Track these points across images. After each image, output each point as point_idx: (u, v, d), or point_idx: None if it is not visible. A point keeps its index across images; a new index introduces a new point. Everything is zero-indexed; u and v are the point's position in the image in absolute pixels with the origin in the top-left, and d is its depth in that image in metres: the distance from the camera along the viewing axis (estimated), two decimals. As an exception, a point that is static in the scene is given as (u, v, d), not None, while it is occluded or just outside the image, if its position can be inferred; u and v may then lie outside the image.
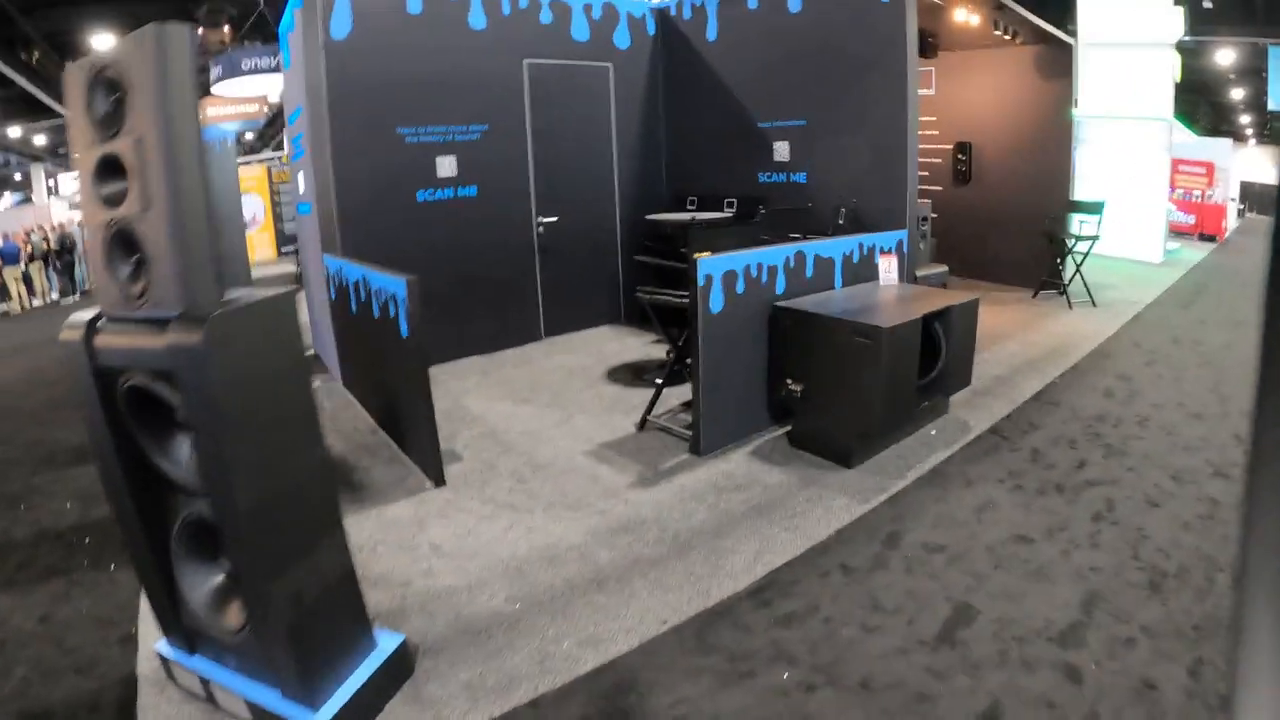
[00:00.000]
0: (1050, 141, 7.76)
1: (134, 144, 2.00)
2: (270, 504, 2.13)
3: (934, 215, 8.67)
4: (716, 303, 4.28)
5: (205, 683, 2.46)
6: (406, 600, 3.08)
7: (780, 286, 4.59)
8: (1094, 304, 7.49)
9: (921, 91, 8.62)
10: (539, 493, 4.05)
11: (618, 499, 3.96)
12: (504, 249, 6.57)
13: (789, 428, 4.61)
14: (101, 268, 2.16)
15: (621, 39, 7.00)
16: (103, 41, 10.85)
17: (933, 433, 4.67)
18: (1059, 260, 7.48)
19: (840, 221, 5.74)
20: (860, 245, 5.09)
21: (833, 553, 3.40)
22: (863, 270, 5.10)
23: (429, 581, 3.20)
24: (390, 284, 4.37)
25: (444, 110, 6.11)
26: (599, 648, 2.73)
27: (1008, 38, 7.31)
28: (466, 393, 5.76)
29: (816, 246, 4.80)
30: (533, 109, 6.54)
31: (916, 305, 4.53)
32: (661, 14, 7.17)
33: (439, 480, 4.16)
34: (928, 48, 7.43)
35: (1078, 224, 7.68)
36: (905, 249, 5.43)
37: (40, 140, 15.87)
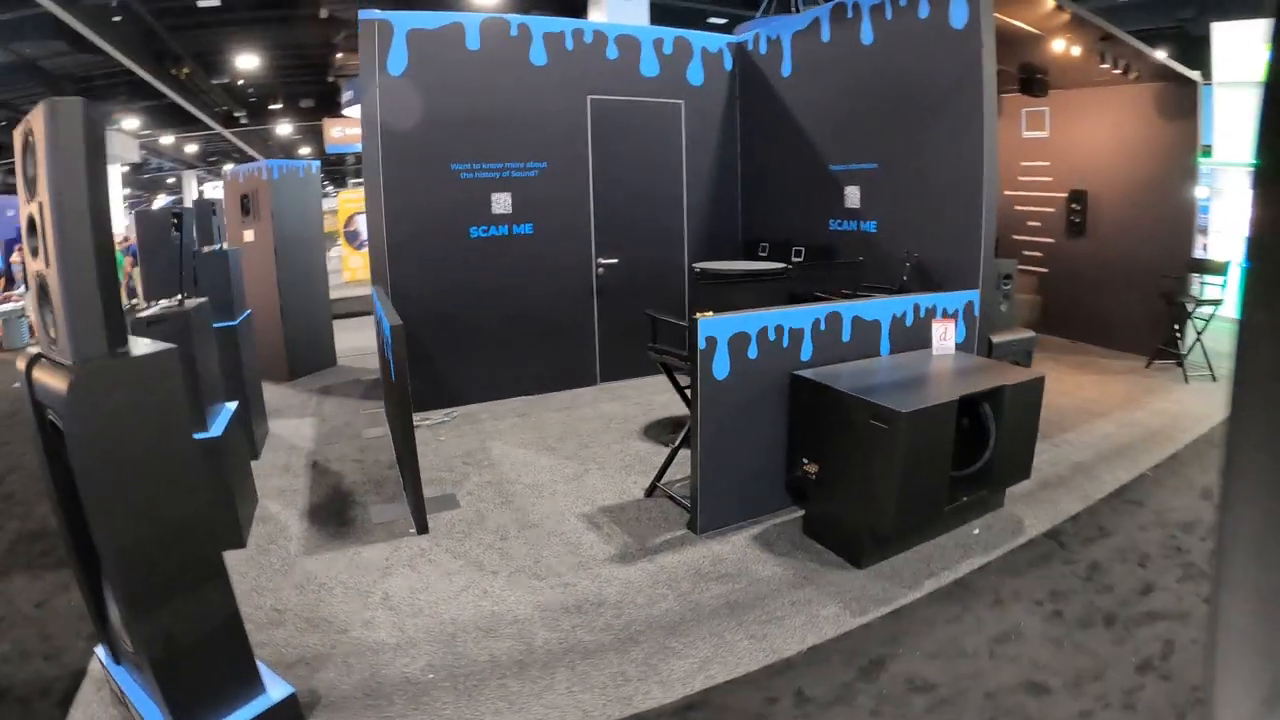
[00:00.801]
0: (1172, 191, 6.64)
1: (39, 208, 2.12)
2: (142, 546, 2.20)
3: (1043, 270, 7.72)
4: (721, 368, 3.82)
5: (122, 692, 2.54)
6: (335, 648, 2.96)
7: (807, 352, 4.06)
8: (1214, 378, 6.32)
9: (1034, 134, 7.72)
10: (513, 554, 3.78)
11: (588, 573, 3.62)
12: (560, 289, 6.33)
13: (804, 512, 4.06)
14: (34, 312, 2.34)
15: (695, 75, 6.62)
16: (246, 61, 11.61)
17: (975, 532, 3.98)
18: (1177, 326, 6.38)
19: (904, 278, 5.10)
20: (916, 307, 4.45)
21: (794, 674, 2.87)
22: (918, 336, 4.46)
23: (364, 633, 3.06)
24: (385, 326, 4.20)
25: (500, 147, 5.96)
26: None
27: (1119, 72, 6.32)
28: (497, 435, 5.55)
29: (857, 307, 4.22)
30: (595, 146, 6.28)
31: (960, 383, 3.88)
32: (739, 48, 6.73)
33: (422, 528, 3.99)
34: (1037, 85, 6.57)
35: (1200, 285, 6.54)
36: (977, 312, 4.73)
37: (191, 149, 17.35)
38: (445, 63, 5.70)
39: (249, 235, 7.10)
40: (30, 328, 9.96)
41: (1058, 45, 5.91)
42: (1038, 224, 7.78)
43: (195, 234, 5.17)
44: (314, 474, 4.94)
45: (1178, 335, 6.37)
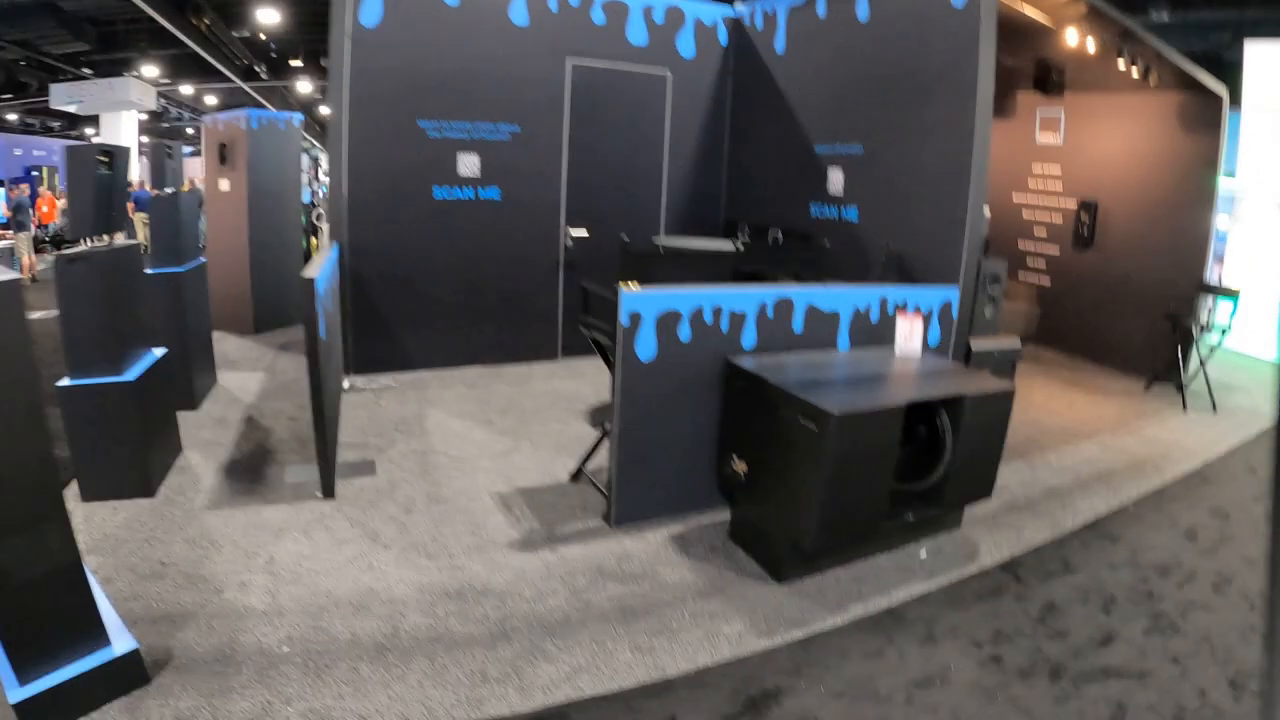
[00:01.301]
0: (1187, 208, 5.96)
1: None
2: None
3: (1044, 281, 7.09)
4: (647, 348, 3.31)
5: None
6: (204, 608, 2.72)
7: (749, 339, 3.53)
8: (1214, 408, 5.66)
9: (1048, 139, 7.07)
10: (411, 529, 3.39)
11: (482, 557, 3.21)
12: (525, 258, 5.83)
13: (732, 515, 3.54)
14: None
15: (686, 46, 6.07)
16: (267, 15, 11.23)
17: (922, 554, 3.43)
18: (1181, 350, 5.74)
19: (880, 272, 4.53)
20: (884, 301, 3.89)
21: (670, 698, 2.40)
22: (884, 333, 3.91)
23: (237, 596, 2.81)
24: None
25: (471, 106, 5.47)
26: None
27: (1139, 77, 5.65)
28: (439, 403, 5.11)
29: (813, 295, 3.68)
30: (573, 113, 5.77)
31: (913, 388, 3.34)
32: (735, 23, 6.17)
33: (328, 492, 3.63)
34: (1052, 83, 5.94)
35: (1209, 310, 5.88)
36: (955, 314, 4.16)
37: (211, 100, 17.00)
38: (421, 17, 5.22)
39: (224, 185, 6.69)
40: (20, 264, 9.69)
41: (1073, 38, 5.28)
42: (1044, 233, 7.14)
43: (152, 175, 4.77)
44: (245, 428, 4.59)
45: (1180, 360, 5.73)
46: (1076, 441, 4.96)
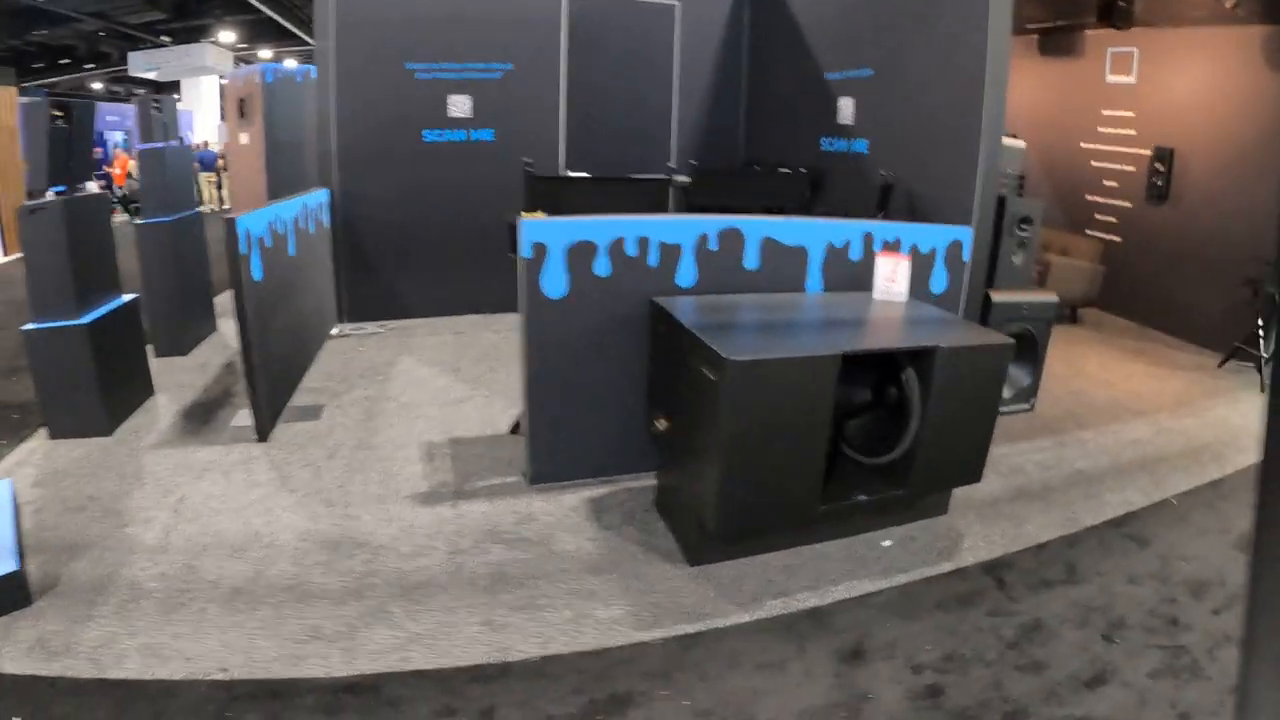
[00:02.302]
0: (1276, 158, 4.62)
1: None
2: None
3: (1114, 238, 5.85)
4: (555, 284, 2.63)
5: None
6: (105, 540, 2.55)
7: (687, 277, 2.78)
8: (1306, 392, 4.39)
9: (1119, 79, 5.77)
10: (325, 476, 3.03)
11: (379, 508, 2.78)
12: (518, 202, 5.19)
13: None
14: None
15: (696, -28, 5.20)
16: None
17: (885, 544, 2.62)
18: (1262, 322, 4.48)
19: (881, 204, 3.63)
20: (868, 236, 3.02)
21: (498, 687, 1.91)
22: (870, 273, 3.04)
23: (137, 531, 2.61)
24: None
25: (461, 46, 4.85)
26: (146, 661, 1.98)
27: (1229, 4, 4.33)
28: (415, 350, 4.66)
29: (769, 226, 2.86)
30: (571, 49, 5.04)
31: (867, 336, 2.51)
32: (755, -54, 5.24)
33: (262, 435, 3.34)
34: (1119, 13, 4.72)
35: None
36: (967, 256, 3.24)
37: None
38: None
39: (244, 139, 6.38)
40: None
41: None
42: (1114, 184, 5.86)
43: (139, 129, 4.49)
44: (221, 374, 4.27)
45: (1260, 333, 4.48)
46: (1126, 419, 3.92)
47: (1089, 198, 6.07)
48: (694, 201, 3.45)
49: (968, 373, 2.41)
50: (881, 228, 3.07)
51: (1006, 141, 3.88)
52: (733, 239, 2.80)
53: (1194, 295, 5.24)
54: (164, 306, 4.46)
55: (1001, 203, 3.62)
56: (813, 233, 2.93)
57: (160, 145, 4.57)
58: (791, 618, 2.20)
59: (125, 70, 13.33)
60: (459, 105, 4.95)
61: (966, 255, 3.26)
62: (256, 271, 3.37)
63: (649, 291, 2.72)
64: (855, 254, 3.02)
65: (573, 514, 2.72)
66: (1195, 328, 5.21)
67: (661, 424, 2.59)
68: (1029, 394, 3.95)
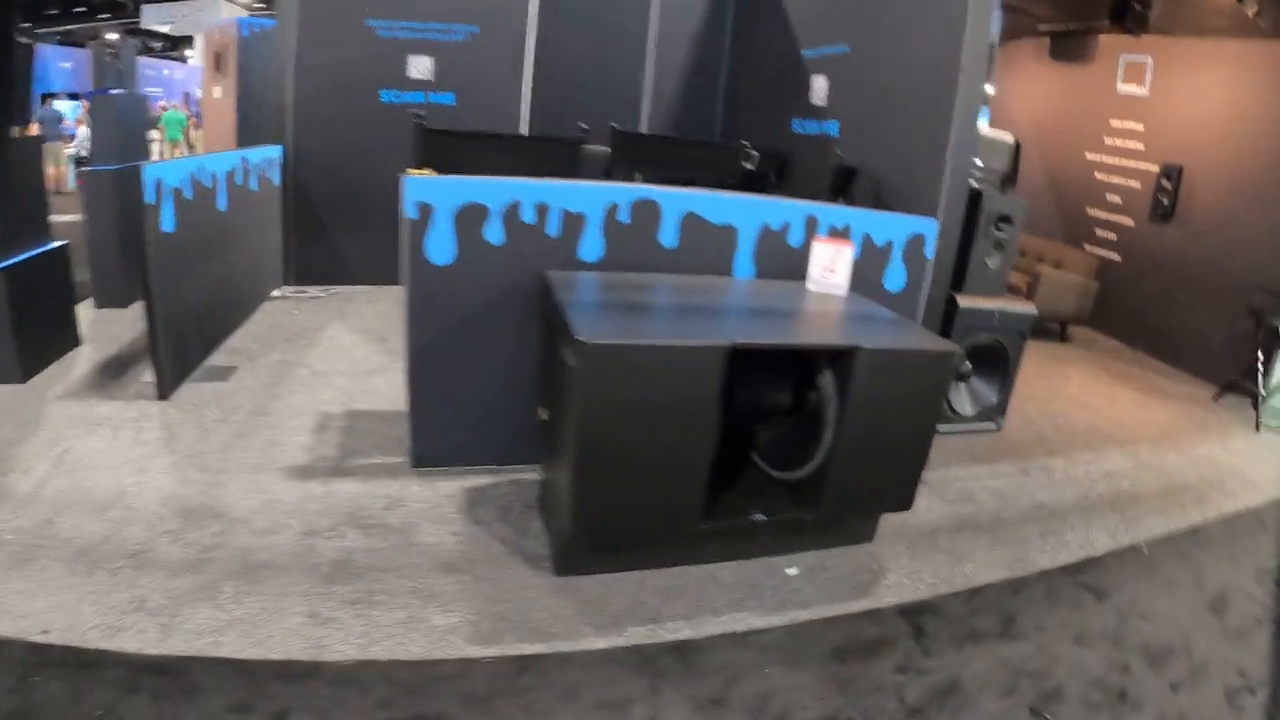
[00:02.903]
0: None
1: None
2: None
3: (1114, 256, 5.32)
4: (441, 249, 2.22)
5: None
6: None
7: (592, 250, 2.34)
8: (1295, 434, 3.87)
9: (1130, 89, 5.24)
10: (211, 439, 2.72)
11: (248, 480, 2.45)
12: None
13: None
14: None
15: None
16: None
17: (790, 571, 2.17)
18: (1263, 356, 3.94)
19: (837, 189, 3.16)
20: (811, 219, 2.56)
21: (300, 688, 1.64)
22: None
23: (14, 480, 2.36)
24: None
25: (424, 4, 4.44)
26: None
27: (1252, 12, 3.78)
28: (349, 317, 4.29)
29: (693, 200, 2.42)
30: (542, 13, 4.60)
31: (773, 327, 2.07)
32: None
33: (163, 393, 3.04)
34: (1132, 17, 4.20)
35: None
36: (930, 253, 2.78)
37: None
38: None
39: (218, 92, 6.02)
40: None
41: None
42: (1117, 199, 5.33)
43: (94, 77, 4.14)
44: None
45: (1260, 367, 3.94)
46: (1102, 449, 3.43)
47: (1090, 211, 5.54)
48: (612, 169, 3.00)
49: (898, 381, 1.96)
50: (829, 211, 2.61)
51: (989, 132, 3.40)
52: (647, 212, 2.36)
53: (1193, 321, 4.71)
54: (106, 257, 4.11)
55: (977, 198, 3.14)
56: (745, 211, 2.48)
57: (113, 92, 4.29)
58: (654, 650, 1.77)
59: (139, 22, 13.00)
60: (419, 67, 4.54)
61: (929, 251, 2.80)
62: (168, 223, 3.02)
63: (547, 264, 2.29)
64: (795, 238, 2.57)
65: (446, 503, 2.32)
66: (1191, 356, 4.68)
67: (543, 413, 2.17)
68: (995, 412, 3.47)
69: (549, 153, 3.02)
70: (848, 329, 2.10)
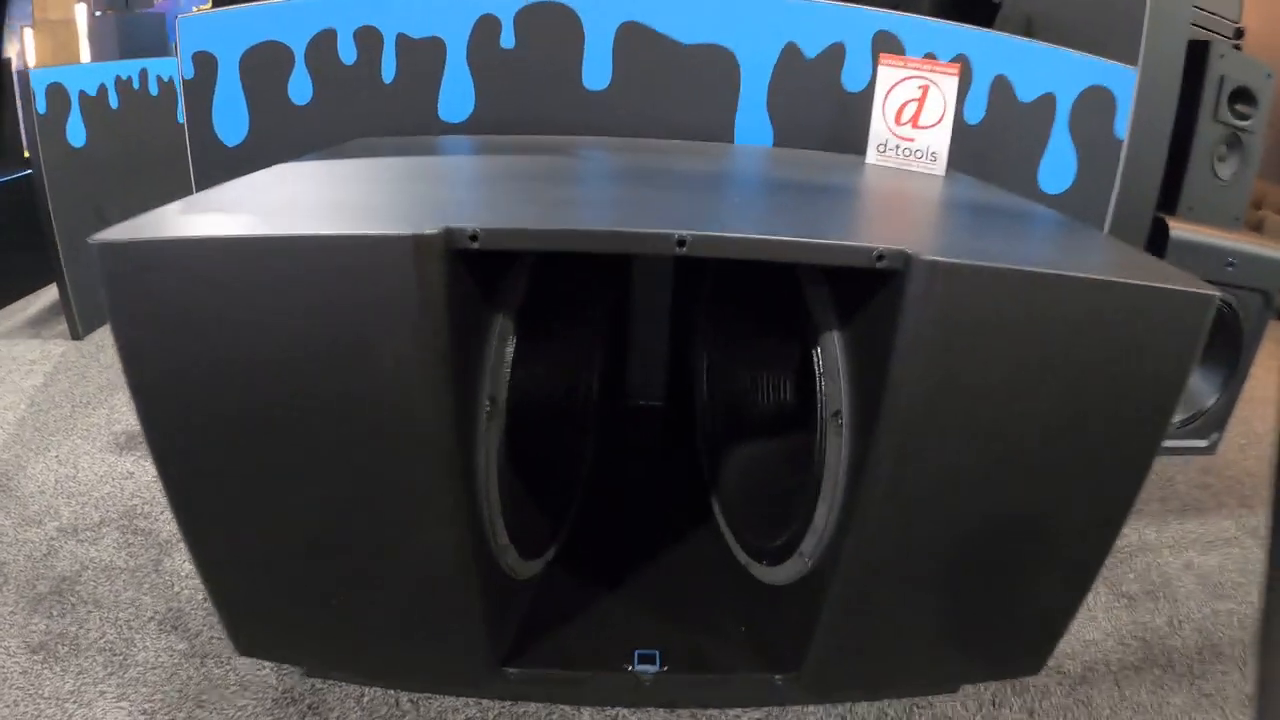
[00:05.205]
0: None
1: None
2: None
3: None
4: (233, 123, 1.14)
5: None
6: None
7: (458, 103, 1.15)
8: None
9: None
10: (69, 394, 2.03)
11: (73, 449, 1.64)
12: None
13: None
14: None
15: None
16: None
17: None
18: None
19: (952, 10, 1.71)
20: (882, 37, 1.20)
21: None
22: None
23: None
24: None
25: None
26: None
27: None
28: None
29: (641, 3, 1.16)
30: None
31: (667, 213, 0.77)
32: None
33: (75, 333, 2.45)
34: None
35: None
36: (1121, 131, 1.32)
37: None
38: None
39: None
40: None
41: None
42: None
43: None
44: None
45: None
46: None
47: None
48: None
49: (1043, 352, 0.63)
50: (924, 26, 1.22)
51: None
52: (556, 26, 1.13)
53: None
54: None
55: (1201, 51, 1.55)
56: (747, 19, 1.17)
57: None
58: None
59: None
60: None
61: (1120, 126, 1.33)
62: (79, 135, 2.26)
63: (384, 129, 1.16)
64: (854, 74, 1.22)
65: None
66: None
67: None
68: (1211, 423, 1.87)
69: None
70: (927, 221, 0.78)
